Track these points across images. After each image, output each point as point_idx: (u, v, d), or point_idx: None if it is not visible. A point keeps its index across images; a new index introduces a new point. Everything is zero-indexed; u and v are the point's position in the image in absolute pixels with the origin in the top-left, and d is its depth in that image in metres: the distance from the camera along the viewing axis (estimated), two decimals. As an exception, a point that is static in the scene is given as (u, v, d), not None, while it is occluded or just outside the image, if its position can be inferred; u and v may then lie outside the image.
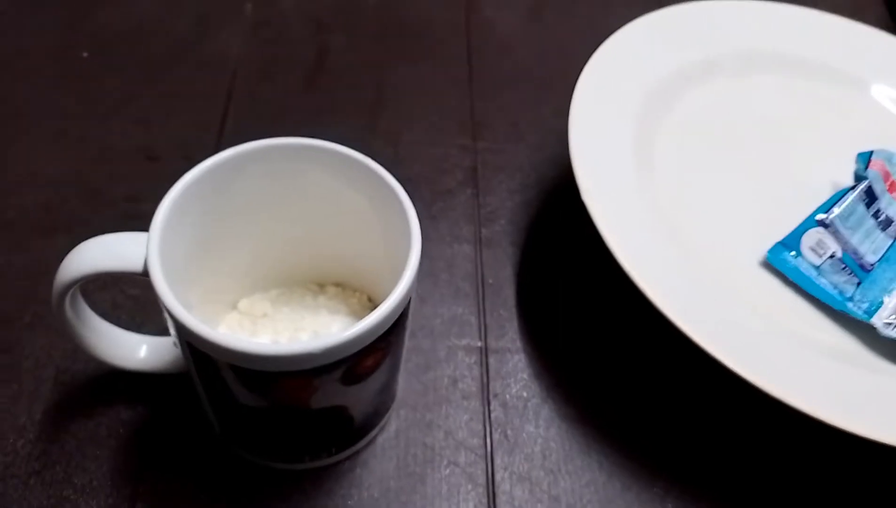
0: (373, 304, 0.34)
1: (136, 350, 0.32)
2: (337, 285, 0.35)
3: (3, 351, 0.34)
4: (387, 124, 0.45)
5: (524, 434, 0.34)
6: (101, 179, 0.40)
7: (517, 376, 0.36)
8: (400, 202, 0.28)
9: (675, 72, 0.43)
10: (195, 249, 0.29)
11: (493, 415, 0.34)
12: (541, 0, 0.54)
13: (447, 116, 0.46)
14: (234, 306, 0.34)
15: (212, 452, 0.32)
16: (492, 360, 0.36)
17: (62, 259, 0.27)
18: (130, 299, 0.36)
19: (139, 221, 0.38)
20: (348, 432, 0.31)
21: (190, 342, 0.24)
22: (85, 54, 0.46)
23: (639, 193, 0.37)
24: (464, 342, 0.37)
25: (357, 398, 0.28)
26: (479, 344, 0.36)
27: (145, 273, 0.25)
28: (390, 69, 0.48)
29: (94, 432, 0.32)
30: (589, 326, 0.38)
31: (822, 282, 0.37)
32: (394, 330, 0.26)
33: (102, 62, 0.46)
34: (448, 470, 0.33)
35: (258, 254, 0.33)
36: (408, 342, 0.30)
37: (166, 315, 0.25)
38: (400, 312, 0.26)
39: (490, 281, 0.39)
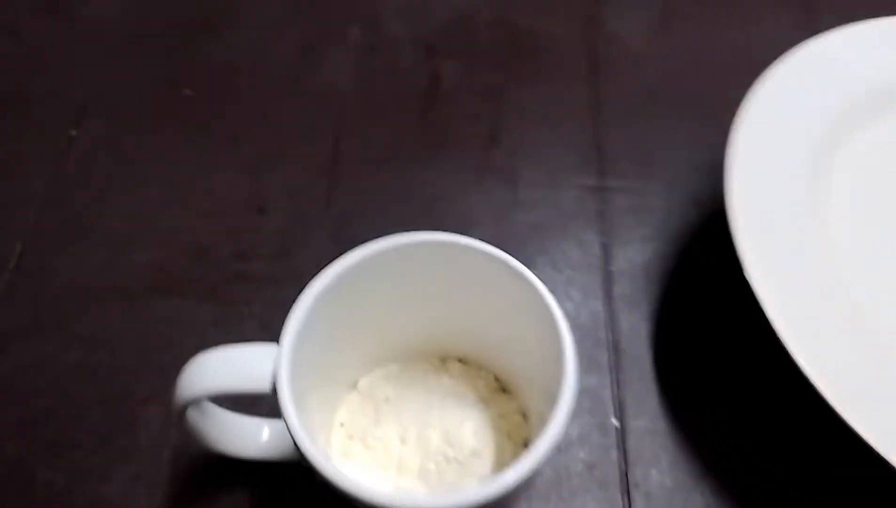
0: (499, 384, 0.32)
1: (258, 436, 0.30)
2: (460, 360, 0.32)
3: (120, 430, 0.33)
4: (504, 160, 0.41)
5: (670, 533, 0.31)
6: (210, 234, 0.39)
7: (660, 462, 0.32)
8: (550, 313, 0.24)
9: (853, 104, 0.37)
10: (321, 350, 0.27)
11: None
12: (669, 7, 0.48)
13: (569, 150, 0.42)
14: (353, 386, 0.32)
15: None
16: (630, 442, 0.33)
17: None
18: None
19: (247, 282, 0.37)
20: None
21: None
22: (187, 92, 0.44)
23: (812, 259, 0.32)
24: (597, 420, 0.33)
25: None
26: (616, 423, 0.33)
27: (274, 392, 0.23)
28: (506, 94, 0.44)
29: (216, 521, 0.31)
30: (743, 401, 0.34)
31: None
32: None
33: (205, 99, 0.44)
34: (587, 574, 0.30)
35: (381, 335, 0.31)
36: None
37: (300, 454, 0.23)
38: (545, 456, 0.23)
39: (624, 348, 0.35)
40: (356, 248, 0.26)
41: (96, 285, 0.37)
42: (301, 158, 0.41)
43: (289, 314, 0.25)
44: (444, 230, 0.39)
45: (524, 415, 0.30)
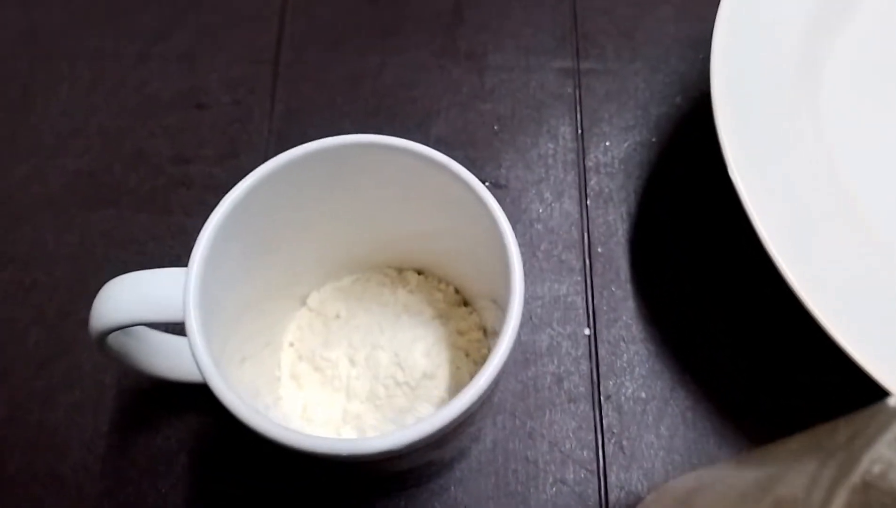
0: (460, 297, 0.29)
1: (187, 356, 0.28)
2: (418, 271, 0.30)
3: (61, 353, 0.31)
4: (469, 43, 0.37)
5: (643, 445, 0.29)
6: (146, 136, 0.35)
7: (634, 372, 0.30)
8: (497, 227, 0.21)
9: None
10: (249, 256, 0.24)
11: (605, 422, 0.29)
12: None
13: (543, 27, 0.37)
14: (303, 301, 0.29)
15: (293, 467, 0.29)
16: (603, 352, 0.31)
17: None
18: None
19: (189, 188, 0.34)
20: (436, 470, 0.27)
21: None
22: (114, -27, 0.39)
23: (801, 152, 0.29)
24: (569, 329, 0.31)
25: (447, 449, 0.24)
26: (588, 332, 0.31)
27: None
28: (471, -35, 0.39)
29: (164, 446, 0.29)
30: (722, 308, 0.31)
31: None
32: (490, 395, 0.21)
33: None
34: (554, 490, 0.29)
35: (325, 246, 0.28)
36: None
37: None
38: (496, 379, 0.20)
39: (599, 250, 0.32)
40: (277, 156, 0.23)
41: (25, 198, 0.34)
42: (241, 45, 0.37)
43: (199, 235, 0.22)
44: (401, 124, 0.35)
45: (485, 330, 0.28)
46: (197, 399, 0.30)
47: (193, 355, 0.20)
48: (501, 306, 0.22)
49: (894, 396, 0.14)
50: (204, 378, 0.19)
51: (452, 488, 0.29)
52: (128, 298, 0.22)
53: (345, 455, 0.18)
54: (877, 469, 0.13)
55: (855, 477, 0.13)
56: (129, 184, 0.34)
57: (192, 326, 0.20)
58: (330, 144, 0.23)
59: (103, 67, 0.37)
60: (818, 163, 0.28)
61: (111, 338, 0.24)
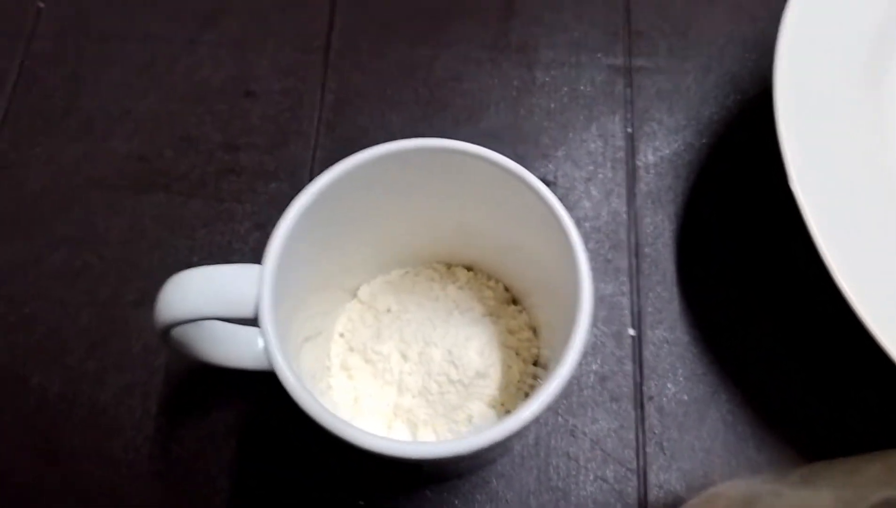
0: (509, 295, 0.29)
1: (252, 345, 0.28)
2: (467, 268, 0.30)
3: (111, 335, 0.32)
4: (520, 36, 0.37)
5: (684, 446, 0.29)
6: (195, 122, 0.35)
7: (677, 373, 0.30)
8: (558, 222, 0.22)
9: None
10: (311, 252, 0.24)
11: (647, 422, 0.30)
12: None
13: (595, 22, 0.37)
14: (354, 293, 0.30)
15: (341, 455, 0.29)
16: (647, 353, 0.31)
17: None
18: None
19: (239, 175, 0.34)
20: (479, 464, 0.27)
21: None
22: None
23: (865, 161, 0.28)
24: (613, 329, 0.31)
25: (497, 450, 0.24)
26: (633, 333, 0.31)
27: (257, 321, 0.21)
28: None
29: (213, 430, 0.30)
30: (768, 312, 0.31)
31: None
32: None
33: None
34: (595, 486, 0.29)
35: (379, 240, 0.28)
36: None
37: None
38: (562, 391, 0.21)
39: (646, 250, 0.32)
40: (341, 161, 0.23)
41: (77, 180, 0.35)
42: (292, 32, 0.37)
43: (272, 235, 0.22)
44: (452, 117, 0.35)
45: (534, 330, 0.28)
46: (246, 385, 0.30)
47: (269, 355, 0.20)
48: (560, 305, 0.23)
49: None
50: (280, 379, 0.20)
51: (494, 481, 0.29)
52: (198, 292, 0.22)
53: (403, 457, 0.19)
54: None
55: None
56: (179, 169, 0.35)
57: (268, 326, 0.20)
58: (403, 147, 0.23)
59: (153, 50, 0.37)
60: (880, 173, 0.28)
61: (175, 329, 0.24)
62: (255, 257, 0.23)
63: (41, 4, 0.38)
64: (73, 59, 0.37)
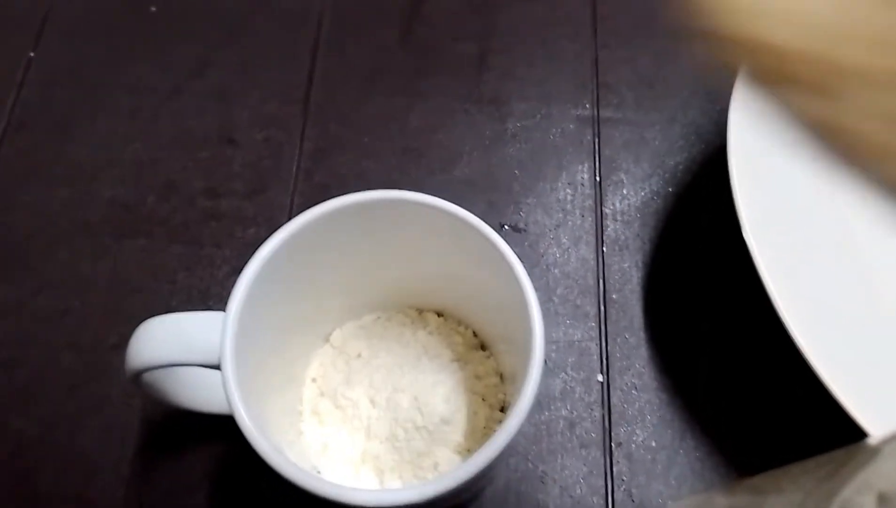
0: (478, 341, 0.30)
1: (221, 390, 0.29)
2: (438, 314, 0.31)
3: (91, 378, 0.32)
4: (493, 89, 0.38)
5: (651, 493, 0.30)
6: (178, 169, 0.36)
7: (645, 420, 0.31)
8: (520, 287, 0.22)
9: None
10: (279, 299, 0.25)
11: (615, 469, 0.30)
12: None
13: (564, 75, 0.38)
14: (327, 338, 0.31)
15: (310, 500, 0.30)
16: (615, 399, 0.31)
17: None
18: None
19: (219, 221, 0.35)
20: None
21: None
22: (153, 9, 0.41)
23: (820, 216, 0.29)
24: (582, 375, 0.32)
25: (463, 495, 0.25)
26: (601, 379, 0.32)
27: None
28: (497, 11, 0.40)
29: (188, 473, 0.31)
30: (734, 359, 0.32)
31: None
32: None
33: (171, 17, 0.40)
34: (563, 532, 0.29)
35: (350, 286, 0.29)
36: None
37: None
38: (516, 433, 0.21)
39: (614, 296, 0.33)
40: (307, 211, 0.24)
41: (63, 224, 0.35)
42: (273, 84, 0.38)
43: (236, 283, 0.23)
44: (426, 166, 0.36)
45: (502, 376, 0.29)
46: (222, 429, 0.30)
47: (229, 401, 0.21)
48: (520, 352, 0.23)
49: (871, 437, 0.15)
50: (239, 425, 0.20)
51: (464, 527, 0.30)
52: (164, 340, 0.23)
53: (369, 506, 0.19)
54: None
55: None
56: (161, 214, 0.36)
57: (228, 373, 0.21)
58: (358, 200, 0.24)
59: (140, 100, 0.38)
60: (834, 225, 0.29)
61: (145, 374, 0.25)
62: (231, 302, 0.24)
63: (32, 54, 0.39)
64: (61, 107, 0.38)
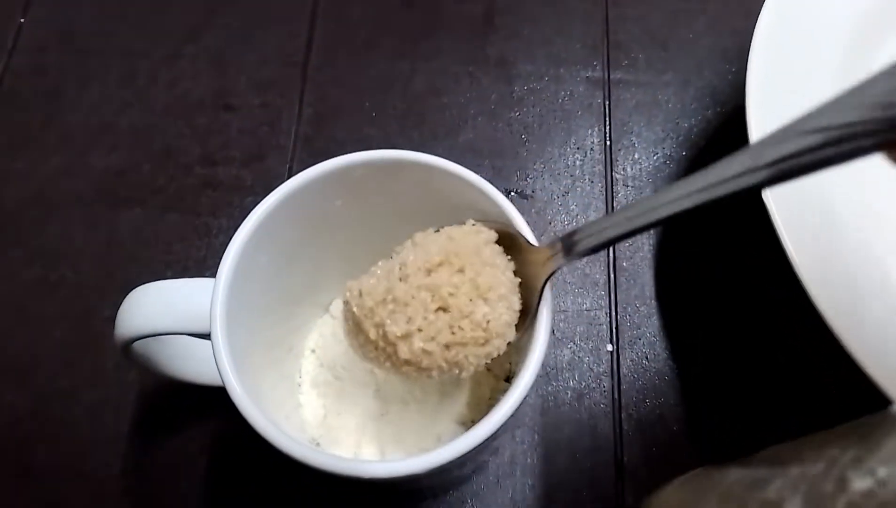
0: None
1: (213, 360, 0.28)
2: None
3: (84, 351, 0.31)
4: (499, 50, 0.36)
5: (661, 467, 0.29)
6: (174, 135, 0.35)
7: (656, 389, 0.30)
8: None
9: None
10: (274, 265, 0.24)
11: (624, 440, 0.29)
12: None
13: (574, 35, 0.37)
14: (326, 308, 0.30)
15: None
16: (624, 370, 0.30)
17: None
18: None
19: (216, 189, 0.34)
20: (453, 483, 0.27)
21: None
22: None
23: (845, 183, 0.28)
24: (591, 345, 0.31)
25: (467, 466, 0.24)
26: (610, 349, 0.31)
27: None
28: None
29: (185, 447, 0.30)
30: (746, 328, 0.31)
31: None
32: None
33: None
34: (571, 506, 0.28)
35: (348, 253, 0.28)
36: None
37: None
38: (520, 405, 0.20)
39: (624, 264, 0.32)
40: (305, 170, 0.23)
41: (55, 194, 0.34)
42: (271, 47, 0.37)
43: (227, 248, 0.22)
44: (430, 131, 0.35)
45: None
46: (219, 402, 0.30)
47: (220, 371, 0.20)
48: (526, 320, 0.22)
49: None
50: (229, 395, 0.19)
51: (469, 501, 0.29)
52: (154, 307, 0.22)
53: (366, 477, 0.18)
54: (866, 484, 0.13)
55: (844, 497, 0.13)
56: (156, 183, 0.34)
57: (219, 341, 0.20)
58: (357, 160, 0.23)
59: (134, 65, 0.37)
60: (853, 183, 0.28)
61: (136, 344, 0.24)
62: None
63: (22, 20, 0.38)
64: (53, 74, 0.37)
